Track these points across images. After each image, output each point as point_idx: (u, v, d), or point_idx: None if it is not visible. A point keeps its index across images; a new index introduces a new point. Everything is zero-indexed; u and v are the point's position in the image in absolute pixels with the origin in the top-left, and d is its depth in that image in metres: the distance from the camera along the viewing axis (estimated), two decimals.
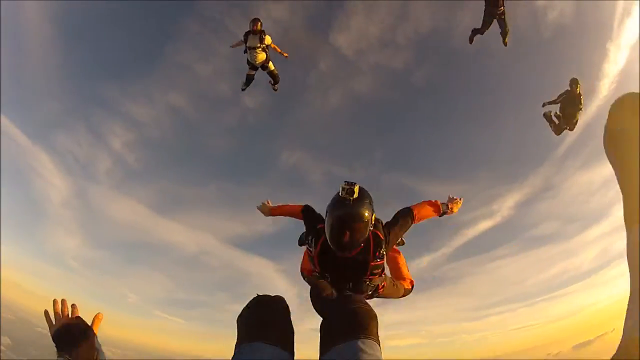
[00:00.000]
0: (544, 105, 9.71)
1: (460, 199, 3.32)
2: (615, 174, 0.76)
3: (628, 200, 0.74)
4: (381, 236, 2.67)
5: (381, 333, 1.21)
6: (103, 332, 1.51)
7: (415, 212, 2.99)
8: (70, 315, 1.48)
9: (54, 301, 1.48)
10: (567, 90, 9.36)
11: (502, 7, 8.62)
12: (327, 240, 2.58)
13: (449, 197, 3.32)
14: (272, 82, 9.59)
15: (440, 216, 3.23)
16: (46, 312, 1.47)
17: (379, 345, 1.20)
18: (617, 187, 0.75)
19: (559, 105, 9.55)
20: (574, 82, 9.29)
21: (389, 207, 3.31)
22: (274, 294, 1.37)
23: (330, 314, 1.32)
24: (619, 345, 0.63)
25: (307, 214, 3.01)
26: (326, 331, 1.26)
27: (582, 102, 9.25)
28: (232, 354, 1.19)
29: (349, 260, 2.62)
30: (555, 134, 9.85)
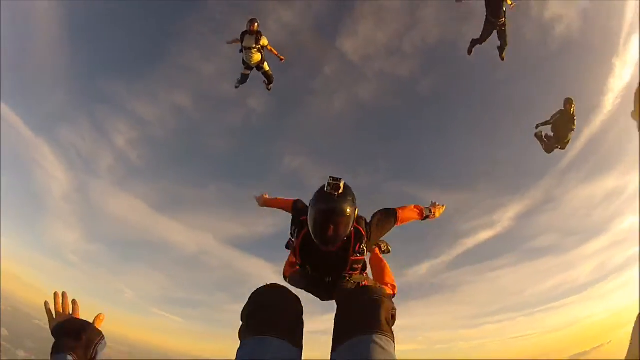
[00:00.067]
0: (537, 126, 9.61)
1: (442, 205, 3.39)
2: None
3: None
4: (363, 232, 2.71)
5: None
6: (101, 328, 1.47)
7: (398, 213, 3.03)
8: (70, 311, 1.45)
9: (55, 294, 1.45)
10: (560, 110, 9.22)
11: (503, 19, 8.41)
12: (309, 233, 2.61)
13: (432, 202, 3.40)
14: (267, 82, 9.66)
15: (422, 220, 3.30)
16: (46, 304, 1.44)
17: (394, 341, 1.15)
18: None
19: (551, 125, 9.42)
20: (568, 102, 9.14)
21: None
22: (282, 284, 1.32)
23: (344, 306, 1.27)
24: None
25: (296, 207, 3.07)
26: (339, 324, 1.20)
27: (574, 122, 9.11)
28: (234, 352, 1.13)
29: (330, 253, 2.65)
30: (546, 152, 9.76)
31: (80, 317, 1.45)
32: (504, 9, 8.28)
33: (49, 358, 1.28)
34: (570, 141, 9.41)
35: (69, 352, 1.28)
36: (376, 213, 3.00)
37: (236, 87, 9.76)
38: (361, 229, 2.71)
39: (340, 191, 2.46)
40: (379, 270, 3.55)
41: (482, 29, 8.70)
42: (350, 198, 2.54)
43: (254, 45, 8.81)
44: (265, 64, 9.29)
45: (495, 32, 8.63)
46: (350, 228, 2.61)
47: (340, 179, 2.47)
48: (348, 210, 2.49)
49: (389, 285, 3.41)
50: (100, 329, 1.43)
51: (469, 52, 9.14)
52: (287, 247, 3.40)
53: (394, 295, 3.39)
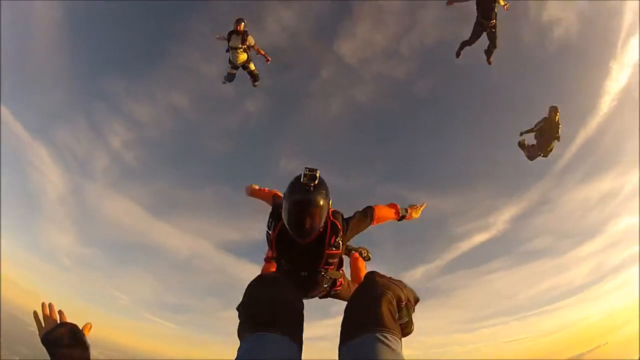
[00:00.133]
0: (521, 134, 9.62)
1: (421, 205, 3.38)
2: None
3: None
4: (339, 225, 2.72)
5: None
6: (92, 333, 1.49)
7: (375, 211, 3.03)
8: (58, 321, 1.47)
9: (42, 304, 1.48)
10: (545, 118, 9.20)
11: (494, 20, 8.31)
12: (284, 225, 2.60)
13: (410, 204, 3.38)
14: (252, 80, 9.72)
15: (399, 220, 3.29)
16: (35, 314, 1.47)
17: (400, 338, 1.12)
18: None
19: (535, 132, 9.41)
20: (553, 110, 9.11)
21: None
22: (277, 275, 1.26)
23: (353, 300, 1.24)
24: None
25: (276, 200, 3.08)
26: (347, 319, 1.18)
27: (559, 130, 9.09)
28: (228, 357, 1.11)
29: (305, 246, 2.65)
30: (529, 160, 9.79)
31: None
32: (496, 10, 8.21)
33: None
34: (553, 149, 9.39)
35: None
36: (355, 212, 3.00)
37: (223, 82, 9.91)
38: (337, 223, 2.71)
39: (316, 182, 2.46)
40: (357, 272, 3.57)
41: (471, 30, 8.61)
42: (325, 189, 2.54)
43: (240, 45, 8.85)
44: (252, 63, 9.36)
45: (485, 34, 8.54)
46: (325, 219, 2.61)
47: (316, 169, 2.47)
48: (322, 201, 2.49)
49: None
50: (88, 336, 1.45)
51: (457, 54, 9.03)
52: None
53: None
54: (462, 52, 8.99)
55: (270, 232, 2.75)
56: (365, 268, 3.67)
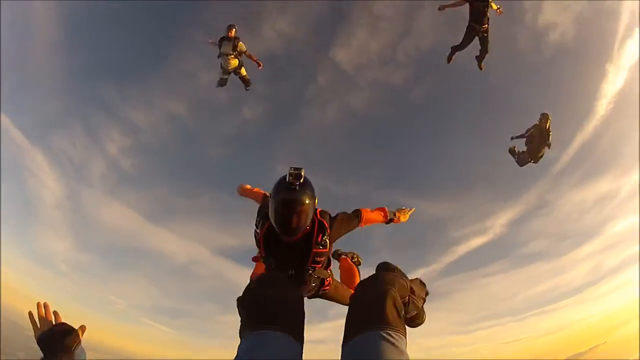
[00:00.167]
0: (512, 139, 9.65)
1: (409, 210, 3.40)
2: None
3: None
4: (326, 224, 2.73)
5: None
6: (89, 337, 1.49)
7: (363, 213, 3.05)
8: (54, 322, 1.47)
9: (38, 304, 1.48)
10: (535, 125, 9.22)
11: (486, 25, 8.19)
12: (272, 224, 2.61)
13: (398, 208, 3.39)
14: (244, 85, 9.78)
15: (387, 223, 3.30)
16: (30, 314, 1.46)
17: (405, 335, 1.10)
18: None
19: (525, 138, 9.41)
20: (543, 117, 9.12)
21: None
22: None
23: (353, 297, 1.23)
24: None
25: (266, 199, 3.05)
26: (351, 317, 1.17)
27: (549, 137, 9.09)
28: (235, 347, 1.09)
29: (293, 244, 2.66)
30: (519, 165, 9.82)
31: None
32: (489, 14, 8.09)
33: None
34: (543, 156, 9.39)
35: None
36: (342, 213, 3.02)
37: (217, 87, 9.98)
38: (324, 222, 2.73)
39: (302, 180, 2.47)
40: (348, 275, 3.58)
41: (463, 35, 8.48)
42: (310, 188, 2.55)
43: (231, 52, 8.85)
44: (243, 69, 9.37)
45: (476, 38, 8.43)
46: (311, 217, 2.62)
47: (301, 168, 2.48)
48: (308, 199, 2.51)
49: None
50: (83, 338, 1.45)
51: (449, 59, 8.90)
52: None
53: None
54: (455, 58, 8.89)
55: (258, 230, 2.76)
56: (357, 271, 3.67)
